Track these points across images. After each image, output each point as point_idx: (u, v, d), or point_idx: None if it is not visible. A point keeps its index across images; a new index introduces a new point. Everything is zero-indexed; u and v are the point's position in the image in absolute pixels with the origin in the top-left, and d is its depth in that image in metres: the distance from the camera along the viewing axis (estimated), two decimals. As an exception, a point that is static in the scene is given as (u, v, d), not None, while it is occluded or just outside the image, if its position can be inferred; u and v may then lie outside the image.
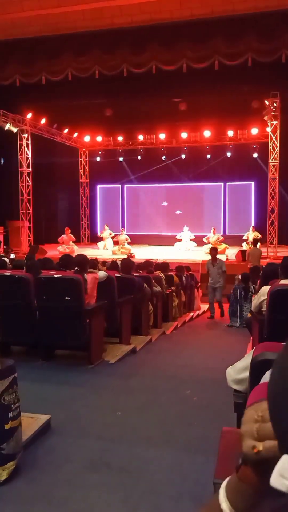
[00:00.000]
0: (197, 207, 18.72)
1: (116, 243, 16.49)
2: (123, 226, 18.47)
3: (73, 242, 15.98)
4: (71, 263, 5.54)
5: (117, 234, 16.66)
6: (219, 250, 13.68)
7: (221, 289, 10.20)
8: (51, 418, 3.29)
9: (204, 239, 15.76)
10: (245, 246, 15.06)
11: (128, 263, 7.03)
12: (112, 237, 16.83)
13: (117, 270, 7.02)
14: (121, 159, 18.87)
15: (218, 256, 10.68)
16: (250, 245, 14.31)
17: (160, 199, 19.24)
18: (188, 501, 2.40)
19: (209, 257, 10.69)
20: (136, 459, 2.90)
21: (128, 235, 16.65)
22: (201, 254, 14.29)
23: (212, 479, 1.36)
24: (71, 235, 15.98)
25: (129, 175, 19.41)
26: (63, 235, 15.95)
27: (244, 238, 15.55)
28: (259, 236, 14.97)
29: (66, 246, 15.42)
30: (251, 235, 15.32)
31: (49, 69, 12.34)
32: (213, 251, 10.48)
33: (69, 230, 16.04)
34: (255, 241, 12.70)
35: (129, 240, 16.40)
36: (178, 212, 18.32)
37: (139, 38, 11.67)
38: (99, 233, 17.91)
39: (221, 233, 16.87)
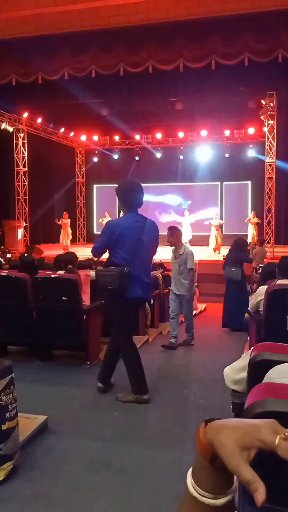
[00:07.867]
0: (194, 207, 18.72)
1: None
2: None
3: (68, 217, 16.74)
4: (61, 262, 5.51)
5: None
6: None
7: (190, 298, 6.21)
8: (49, 419, 3.29)
9: (205, 222, 16.04)
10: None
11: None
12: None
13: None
14: (116, 156, 18.89)
15: (188, 245, 6.00)
16: (253, 245, 14.45)
17: (157, 199, 19.23)
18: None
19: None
20: (135, 459, 2.90)
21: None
22: (199, 253, 14.32)
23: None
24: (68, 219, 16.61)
25: (126, 174, 19.36)
26: (62, 219, 16.44)
27: (246, 220, 16.19)
28: (259, 221, 15.50)
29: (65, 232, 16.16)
30: (253, 220, 15.86)
31: (45, 68, 12.29)
32: (172, 230, 6.26)
33: (67, 214, 16.67)
34: (260, 241, 12.77)
35: None
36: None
37: (136, 38, 11.64)
38: (99, 220, 18.03)
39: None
